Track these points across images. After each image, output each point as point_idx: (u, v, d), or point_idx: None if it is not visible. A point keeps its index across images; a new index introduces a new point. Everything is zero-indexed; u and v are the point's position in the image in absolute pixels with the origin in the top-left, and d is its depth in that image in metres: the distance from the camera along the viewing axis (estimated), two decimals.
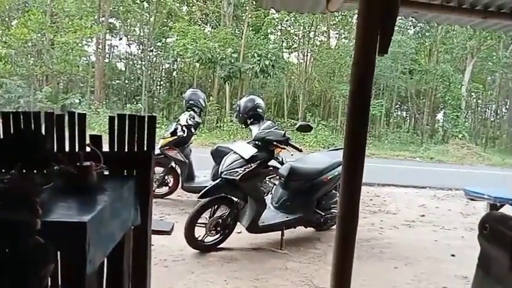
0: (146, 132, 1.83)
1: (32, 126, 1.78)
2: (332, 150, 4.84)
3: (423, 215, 5.58)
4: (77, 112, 1.84)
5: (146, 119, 1.83)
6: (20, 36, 13.97)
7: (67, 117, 1.84)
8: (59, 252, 1.19)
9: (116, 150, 1.83)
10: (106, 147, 1.85)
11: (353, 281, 2.14)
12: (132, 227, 1.74)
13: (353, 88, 1.77)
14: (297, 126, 3.91)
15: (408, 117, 22.55)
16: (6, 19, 16.76)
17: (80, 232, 1.17)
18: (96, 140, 1.77)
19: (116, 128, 1.82)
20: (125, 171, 1.84)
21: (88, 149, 1.75)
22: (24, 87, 14.57)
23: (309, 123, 4.07)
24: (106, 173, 1.74)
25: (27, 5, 14.96)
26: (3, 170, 1.64)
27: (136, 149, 1.84)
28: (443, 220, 5.38)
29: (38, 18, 14.47)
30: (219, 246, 3.87)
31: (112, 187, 1.57)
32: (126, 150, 1.83)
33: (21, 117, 1.77)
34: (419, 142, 17.47)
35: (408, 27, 18.73)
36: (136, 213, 1.71)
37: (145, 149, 1.84)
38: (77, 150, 1.82)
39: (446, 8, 3.00)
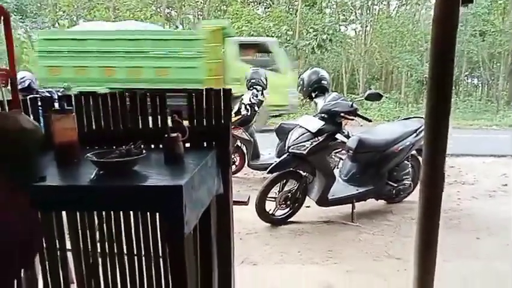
0: (222, 105, 1.88)
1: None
2: (403, 119, 4.63)
3: (505, 185, 5.18)
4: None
5: (222, 92, 1.88)
6: None
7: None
8: (157, 215, 1.30)
9: (196, 124, 1.91)
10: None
11: None
12: (215, 195, 1.82)
13: (435, 46, 1.64)
14: (366, 94, 3.77)
15: (480, 85, 20.79)
16: (74, 18, 17.98)
17: (177, 195, 1.25)
18: (177, 114, 1.85)
19: (194, 102, 1.89)
20: (204, 143, 1.91)
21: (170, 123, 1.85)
22: None
23: (378, 91, 3.92)
24: (187, 145, 1.83)
25: (92, 2, 15.88)
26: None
27: (213, 122, 1.90)
28: None
29: (103, 14, 15.35)
30: (289, 220, 3.94)
31: (197, 157, 1.65)
32: (205, 123, 1.90)
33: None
34: (494, 110, 16.08)
35: None
36: (219, 182, 1.80)
37: (223, 121, 1.90)
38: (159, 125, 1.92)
39: None
